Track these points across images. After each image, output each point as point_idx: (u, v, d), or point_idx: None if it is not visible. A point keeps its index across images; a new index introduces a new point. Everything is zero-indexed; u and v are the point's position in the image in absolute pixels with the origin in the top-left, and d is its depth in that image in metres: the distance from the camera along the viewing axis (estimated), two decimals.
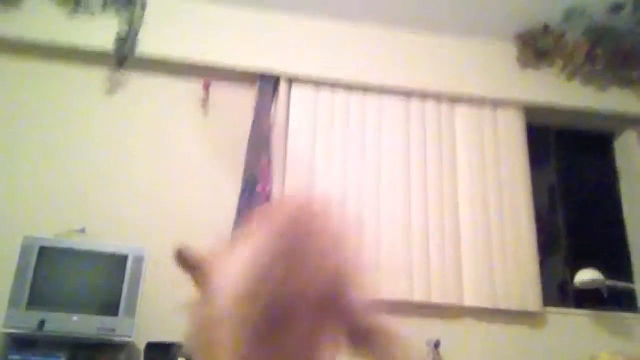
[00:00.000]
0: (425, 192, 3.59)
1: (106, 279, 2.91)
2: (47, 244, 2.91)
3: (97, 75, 3.64)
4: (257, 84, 3.70)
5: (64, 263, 2.90)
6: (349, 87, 3.79)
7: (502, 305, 3.40)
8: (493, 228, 3.57)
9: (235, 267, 0.85)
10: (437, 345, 3.19)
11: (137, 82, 3.67)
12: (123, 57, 3.57)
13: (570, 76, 4.02)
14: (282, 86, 3.70)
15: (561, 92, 3.97)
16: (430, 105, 3.84)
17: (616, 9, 3.78)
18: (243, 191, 3.38)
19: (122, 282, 2.88)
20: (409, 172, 3.62)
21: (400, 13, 3.87)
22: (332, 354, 0.86)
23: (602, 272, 3.38)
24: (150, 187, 3.45)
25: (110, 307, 2.83)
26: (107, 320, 2.80)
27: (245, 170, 3.44)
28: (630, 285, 3.58)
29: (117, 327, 2.79)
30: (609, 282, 3.39)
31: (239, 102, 3.72)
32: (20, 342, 2.82)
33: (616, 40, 3.97)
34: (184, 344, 2.59)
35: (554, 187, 4.03)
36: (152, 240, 3.24)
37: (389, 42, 3.94)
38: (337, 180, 3.54)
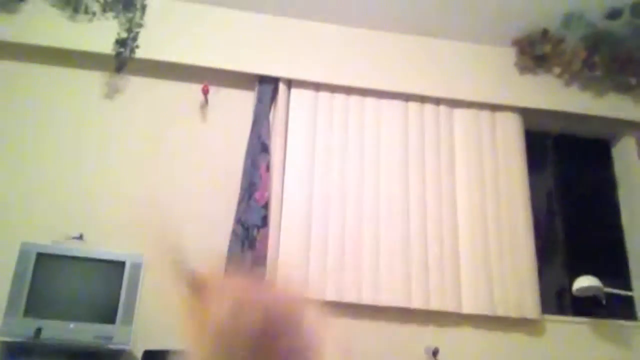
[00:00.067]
0: (424, 198, 3.59)
1: (104, 286, 2.89)
2: (44, 250, 2.88)
3: (96, 79, 3.63)
4: (256, 87, 3.69)
5: (62, 270, 2.88)
6: (348, 91, 3.78)
7: (501, 312, 3.40)
8: (491, 234, 3.57)
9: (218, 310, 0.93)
10: (435, 352, 3.19)
11: (136, 86, 3.66)
12: (122, 60, 3.56)
13: (569, 82, 4.03)
14: (282, 90, 3.69)
15: (559, 97, 3.98)
16: (428, 109, 3.84)
17: (614, 15, 3.78)
18: (242, 198, 3.37)
19: (120, 289, 2.86)
20: (407, 176, 3.62)
21: (399, 17, 3.86)
22: None
23: (601, 279, 3.38)
24: (149, 193, 3.43)
25: (108, 315, 2.81)
26: (104, 328, 2.78)
27: (244, 176, 3.43)
28: (629, 293, 3.58)
29: (114, 335, 2.78)
30: (607, 290, 3.39)
31: (238, 106, 3.71)
32: (17, 350, 2.80)
33: (614, 46, 3.98)
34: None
35: (551, 193, 4.03)
36: (150, 247, 3.23)
37: (388, 46, 3.93)
38: (335, 184, 3.53)
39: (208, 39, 3.72)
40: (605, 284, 3.39)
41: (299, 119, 3.65)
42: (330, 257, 3.37)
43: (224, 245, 3.27)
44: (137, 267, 2.91)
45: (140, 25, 3.62)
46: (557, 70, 4.00)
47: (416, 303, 3.34)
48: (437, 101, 3.87)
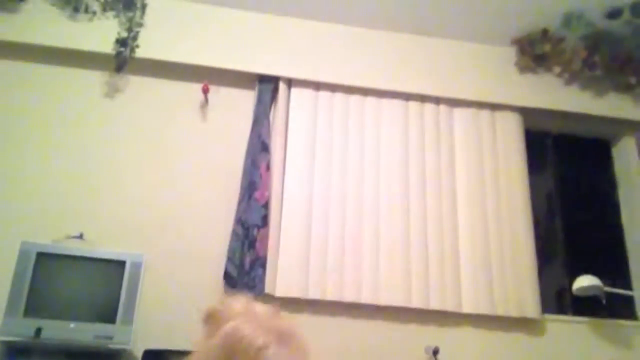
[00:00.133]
0: (424, 197, 3.59)
1: (104, 285, 2.89)
2: (44, 249, 2.88)
3: (96, 79, 3.62)
4: (256, 87, 3.69)
5: (62, 269, 2.87)
6: (349, 90, 3.78)
7: (501, 312, 3.40)
8: (491, 234, 3.57)
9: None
10: (435, 352, 3.19)
11: (137, 85, 3.65)
12: (122, 60, 3.55)
13: (569, 81, 4.03)
14: (282, 89, 3.69)
15: (559, 97, 3.98)
16: (428, 109, 3.83)
17: (614, 14, 3.78)
18: (242, 198, 3.37)
19: (120, 288, 2.85)
20: (407, 176, 3.62)
21: (399, 17, 3.86)
22: None
23: (601, 279, 3.38)
24: (148, 193, 3.43)
25: (108, 314, 2.81)
26: (104, 328, 2.77)
27: (244, 175, 3.43)
28: (629, 293, 3.58)
29: (114, 335, 2.77)
30: (608, 289, 3.39)
31: (238, 105, 3.71)
32: (17, 350, 2.80)
33: (614, 46, 3.98)
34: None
35: (551, 193, 4.03)
36: (150, 246, 3.23)
37: (388, 45, 3.93)
38: (336, 183, 3.53)
39: (208, 39, 3.72)
40: (606, 283, 3.39)
41: (299, 118, 3.65)
42: (331, 256, 3.37)
43: (224, 245, 3.27)
44: (137, 267, 2.91)
45: (140, 25, 3.62)
46: (557, 69, 4.00)
47: (416, 302, 3.34)
48: (437, 100, 3.87)
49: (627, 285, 3.76)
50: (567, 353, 3.43)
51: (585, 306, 3.59)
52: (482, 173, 3.71)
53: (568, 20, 3.84)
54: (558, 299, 3.75)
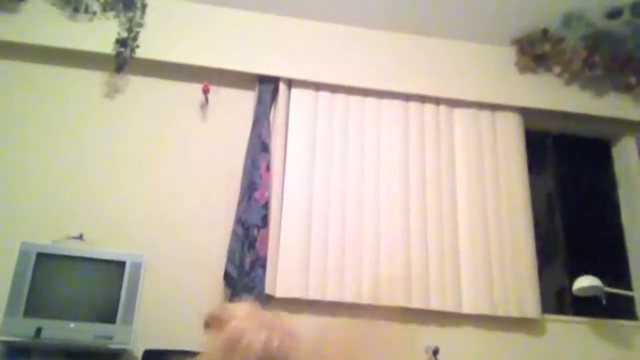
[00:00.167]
0: (424, 197, 3.59)
1: (104, 285, 2.89)
2: (44, 250, 2.88)
3: (96, 79, 3.62)
4: (257, 87, 3.69)
5: (62, 270, 2.88)
6: (349, 90, 3.78)
7: (501, 312, 3.40)
8: (491, 234, 3.57)
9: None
10: (435, 352, 3.19)
11: (137, 86, 3.65)
12: (122, 60, 3.55)
13: (569, 81, 4.03)
14: (282, 89, 3.69)
15: (559, 97, 3.98)
16: (428, 109, 3.83)
17: (614, 14, 3.78)
18: (242, 198, 3.37)
19: (120, 289, 2.86)
20: (407, 176, 3.62)
21: (399, 17, 3.86)
22: None
23: (601, 279, 3.38)
24: (148, 193, 3.43)
25: (108, 315, 2.81)
26: (104, 328, 2.78)
27: (244, 176, 3.43)
28: (629, 293, 3.58)
29: (114, 335, 2.77)
30: (608, 289, 3.39)
31: (239, 105, 3.71)
32: (17, 350, 2.80)
33: (614, 46, 3.98)
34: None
35: (551, 193, 4.03)
36: (150, 246, 3.23)
37: (388, 46, 3.93)
38: (336, 184, 3.53)
39: (208, 39, 3.72)
40: (606, 283, 3.39)
41: (299, 118, 3.65)
42: (331, 256, 3.36)
43: (224, 246, 3.27)
44: (137, 267, 2.91)
45: (140, 25, 3.62)
46: (557, 69, 4.00)
47: (417, 303, 3.34)
48: (437, 101, 3.87)
49: (627, 285, 3.76)
50: (567, 353, 3.43)
51: (586, 306, 3.59)
52: (482, 173, 3.71)
53: (568, 20, 3.84)
54: (558, 299, 3.75)
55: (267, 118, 3.59)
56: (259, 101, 3.63)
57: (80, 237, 3.20)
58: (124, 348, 2.79)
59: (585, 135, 4.20)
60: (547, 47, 3.95)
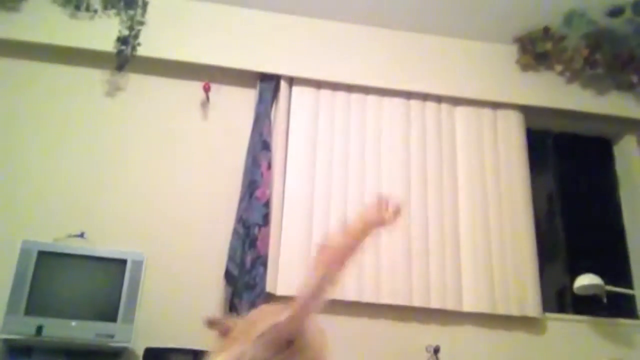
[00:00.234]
0: (425, 195, 3.59)
1: (105, 284, 2.89)
2: (45, 248, 2.89)
3: (97, 77, 3.62)
4: (258, 85, 3.69)
5: (63, 268, 2.88)
6: (350, 88, 3.78)
7: (502, 310, 3.40)
8: (492, 232, 3.57)
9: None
10: (436, 350, 3.19)
11: (138, 84, 3.65)
12: (124, 58, 3.55)
13: (570, 79, 4.03)
14: (283, 87, 3.69)
15: (561, 95, 3.98)
16: (430, 107, 3.83)
17: (616, 12, 3.77)
18: (243, 196, 3.37)
19: (121, 287, 2.86)
20: (408, 174, 3.61)
21: (401, 15, 3.86)
22: None
23: (602, 278, 3.37)
24: (150, 191, 3.43)
25: (109, 313, 2.81)
26: (105, 326, 2.78)
27: (245, 174, 3.43)
28: (630, 291, 3.57)
29: (115, 333, 2.78)
30: (609, 288, 3.38)
31: (240, 104, 3.71)
32: (18, 349, 2.80)
33: (616, 44, 3.98)
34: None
35: (552, 191, 4.03)
36: (151, 245, 3.23)
37: (390, 43, 3.93)
38: (337, 182, 3.53)
39: (209, 37, 3.72)
40: (607, 282, 3.38)
41: (300, 116, 3.65)
42: None
43: (225, 244, 3.27)
44: (138, 265, 2.92)
45: (141, 23, 3.62)
46: (558, 68, 3.99)
47: (417, 301, 3.34)
48: (439, 99, 3.87)
49: (628, 284, 3.76)
50: (567, 352, 3.43)
51: (586, 305, 3.59)
52: (484, 172, 3.71)
53: (570, 18, 3.84)
54: (559, 298, 3.75)
55: (268, 116, 3.59)
56: (260, 99, 3.63)
57: (82, 235, 3.20)
58: (125, 346, 2.80)
59: (586, 133, 4.19)
60: (548, 46, 3.94)
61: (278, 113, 3.61)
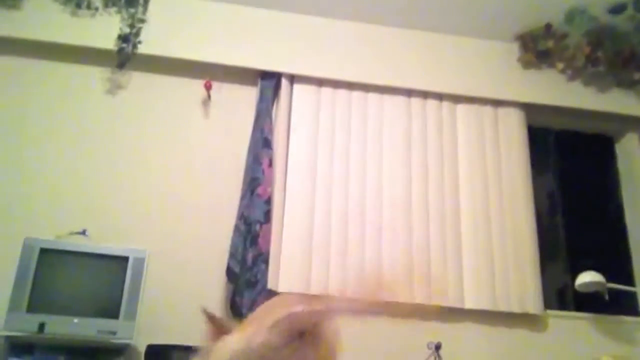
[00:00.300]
0: (426, 193, 3.59)
1: (107, 281, 2.90)
2: (48, 245, 2.89)
3: (98, 75, 3.62)
4: (259, 83, 3.69)
5: (65, 265, 2.89)
6: (351, 86, 3.78)
7: (503, 308, 3.40)
8: (494, 230, 3.57)
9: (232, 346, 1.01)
10: (438, 347, 3.19)
11: (139, 82, 3.65)
12: (125, 56, 3.55)
13: (572, 77, 4.02)
14: (284, 85, 3.69)
15: (562, 93, 3.97)
16: (431, 105, 3.83)
17: (618, 10, 3.77)
18: (244, 193, 3.37)
19: (123, 284, 2.87)
20: (409, 172, 3.62)
21: (402, 12, 3.85)
22: None
23: (604, 275, 3.37)
24: (151, 189, 3.43)
25: (111, 310, 2.82)
26: (107, 323, 2.79)
27: (247, 171, 3.43)
28: (632, 289, 3.57)
29: (117, 330, 2.78)
30: (610, 285, 3.38)
31: (241, 101, 3.71)
32: (20, 345, 2.80)
33: (618, 42, 3.97)
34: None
35: (554, 189, 4.03)
36: (153, 242, 3.24)
37: (391, 41, 3.92)
38: (338, 179, 3.53)
39: (210, 35, 3.72)
40: (608, 279, 3.38)
41: (301, 114, 3.65)
42: (333, 252, 3.37)
43: (227, 241, 3.27)
44: (140, 262, 2.92)
45: (142, 21, 3.62)
46: (560, 65, 3.99)
47: (419, 298, 3.34)
48: (440, 97, 3.86)
49: (630, 281, 3.75)
50: (569, 349, 3.43)
51: (588, 302, 3.59)
52: (485, 169, 3.71)
53: (571, 16, 3.83)
54: (560, 295, 3.75)
55: (270, 114, 3.59)
56: (261, 97, 3.63)
57: (84, 232, 3.20)
58: (127, 343, 2.81)
59: (588, 131, 4.19)
60: (550, 43, 3.94)
61: (279, 111, 3.62)
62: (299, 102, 3.68)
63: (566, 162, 4.10)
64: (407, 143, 3.68)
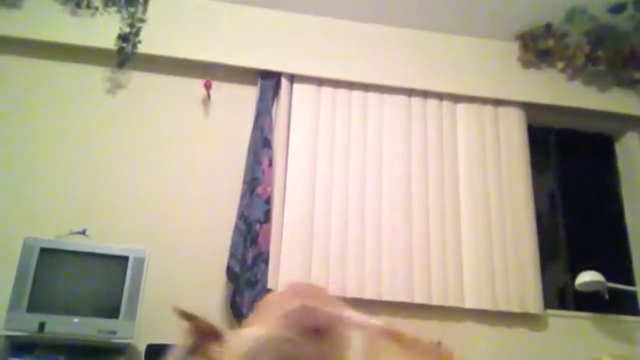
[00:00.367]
0: (426, 192, 3.59)
1: (107, 280, 2.90)
2: (48, 245, 2.89)
3: (98, 74, 3.62)
4: (259, 82, 3.69)
5: (65, 265, 2.89)
6: (351, 85, 3.78)
7: (503, 307, 3.40)
8: (494, 229, 3.57)
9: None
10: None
11: (139, 81, 3.66)
12: (125, 55, 3.55)
13: (572, 76, 4.02)
14: (284, 85, 3.69)
15: (562, 92, 3.97)
16: (431, 104, 3.83)
17: (618, 9, 3.77)
18: (244, 193, 3.37)
19: (123, 284, 2.86)
20: (409, 171, 3.62)
21: (402, 12, 3.85)
22: None
23: (604, 275, 3.37)
24: (151, 188, 3.43)
25: (111, 309, 2.82)
26: (107, 323, 2.79)
27: (247, 171, 3.43)
28: (632, 288, 3.57)
29: (117, 329, 2.78)
30: (610, 285, 3.38)
31: (241, 101, 3.71)
32: (21, 345, 2.80)
33: (618, 41, 3.97)
34: None
35: (554, 188, 4.03)
36: (153, 241, 3.24)
37: (391, 40, 3.92)
38: (338, 179, 3.53)
39: (210, 34, 3.72)
40: (609, 279, 3.38)
41: (301, 113, 3.65)
42: (333, 251, 3.37)
43: (227, 241, 3.27)
44: (140, 262, 2.92)
45: (142, 20, 3.62)
46: (560, 65, 3.98)
47: (419, 298, 3.34)
48: (440, 96, 3.86)
49: (630, 280, 3.75)
50: (569, 348, 3.43)
51: (588, 302, 3.59)
52: (485, 169, 3.71)
53: (571, 15, 3.83)
54: (560, 295, 3.75)
55: (269, 113, 3.59)
56: (261, 96, 3.63)
57: (84, 232, 3.20)
58: (127, 342, 2.81)
59: (588, 130, 4.19)
60: (550, 42, 3.94)
61: (279, 110, 3.62)
62: (299, 101, 3.68)
63: (566, 162, 4.10)
64: (407, 143, 3.68)
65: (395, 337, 0.91)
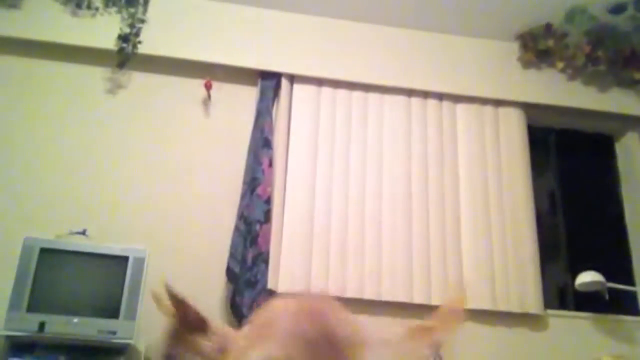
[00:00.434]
0: (426, 192, 3.59)
1: (107, 280, 2.90)
2: (47, 245, 2.89)
3: (98, 75, 3.63)
4: (259, 83, 3.69)
5: (65, 265, 2.89)
6: (351, 86, 3.78)
7: (503, 307, 3.40)
8: (494, 229, 3.57)
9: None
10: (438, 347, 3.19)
11: (139, 81, 3.65)
12: (125, 56, 3.55)
13: (572, 76, 4.02)
14: (284, 85, 3.69)
15: (562, 92, 3.97)
16: (431, 104, 3.83)
17: (618, 9, 3.77)
18: (244, 193, 3.37)
19: (123, 284, 2.86)
20: (409, 171, 3.62)
21: (402, 12, 3.86)
22: None
23: (604, 275, 3.37)
24: (151, 188, 3.44)
25: (111, 310, 2.82)
26: (108, 323, 2.79)
27: (247, 171, 3.44)
28: (632, 288, 3.57)
29: (118, 330, 2.78)
30: (610, 285, 3.38)
31: (241, 101, 3.72)
32: (20, 345, 2.81)
33: (618, 41, 3.97)
34: None
35: (554, 189, 4.03)
36: (153, 241, 3.24)
37: (391, 40, 3.92)
38: (338, 179, 3.53)
39: (210, 35, 3.72)
40: (609, 279, 3.38)
41: (301, 114, 3.65)
42: (333, 252, 3.37)
43: (227, 241, 3.27)
44: (140, 262, 2.91)
45: (142, 21, 3.62)
46: (560, 65, 3.98)
47: (418, 298, 3.34)
48: (440, 96, 3.86)
49: (630, 280, 3.75)
50: (569, 349, 3.43)
51: (588, 302, 3.59)
52: (485, 169, 3.71)
53: (571, 15, 3.83)
54: (561, 295, 3.75)
55: (270, 113, 3.59)
56: (262, 97, 3.63)
57: (84, 232, 3.20)
58: (127, 343, 2.80)
59: (588, 130, 4.19)
60: (550, 43, 3.94)
61: (279, 111, 3.62)
62: (299, 102, 3.68)
63: (566, 162, 4.10)
64: (407, 143, 3.68)
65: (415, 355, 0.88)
